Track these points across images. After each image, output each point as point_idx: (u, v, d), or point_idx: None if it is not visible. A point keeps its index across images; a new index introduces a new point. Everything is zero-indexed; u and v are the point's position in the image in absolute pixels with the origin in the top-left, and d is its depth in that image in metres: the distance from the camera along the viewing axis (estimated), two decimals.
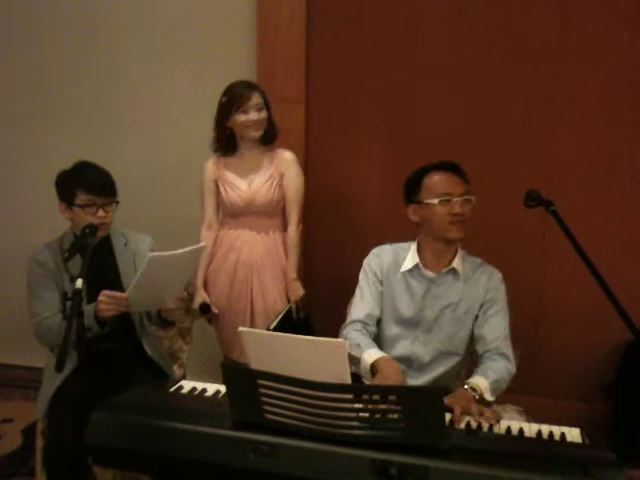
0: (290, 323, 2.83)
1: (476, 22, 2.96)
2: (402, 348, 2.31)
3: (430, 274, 2.29)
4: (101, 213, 2.36)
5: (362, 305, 2.35)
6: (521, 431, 1.80)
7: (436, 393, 1.58)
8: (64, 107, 3.51)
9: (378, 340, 2.36)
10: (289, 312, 2.77)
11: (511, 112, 3.00)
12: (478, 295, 2.27)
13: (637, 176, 2.94)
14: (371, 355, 2.18)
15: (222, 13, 3.22)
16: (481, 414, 1.88)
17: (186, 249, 2.18)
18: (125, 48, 3.37)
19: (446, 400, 1.91)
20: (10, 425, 3.01)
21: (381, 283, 2.35)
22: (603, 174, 2.96)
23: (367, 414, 1.61)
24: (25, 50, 3.52)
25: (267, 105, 2.75)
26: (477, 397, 2.01)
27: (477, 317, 2.27)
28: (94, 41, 3.40)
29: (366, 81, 3.12)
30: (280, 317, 2.73)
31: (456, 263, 2.28)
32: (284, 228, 2.85)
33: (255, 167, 2.80)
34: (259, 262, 2.78)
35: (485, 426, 1.82)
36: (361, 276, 2.39)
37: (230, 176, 2.79)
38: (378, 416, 1.60)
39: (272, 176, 2.77)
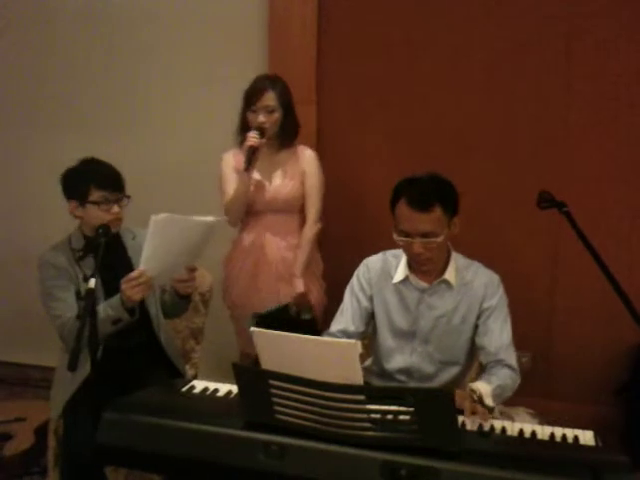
0: (292, 323, 2.82)
1: (487, 26, 2.95)
2: (401, 360, 2.26)
3: (422, 284, 2.21)
4: (116, 209, 2.34)
5: (339, 319, 2.31)
6: (534, 433, 1.78)
7: (448, 394, 1.57)
8: (78, 107, 3.53)
9: (376, 352, 2.33)
10: (285, 308, 2.69)
11: (522, 114, 2.99)
12: (474, 302, 2.18)
13: None
14: None
15: (234, 15, 3.23)
16: (474, 412, 1.85)
17: (197, 218, 2.14)
18: (138, 49, 3.39)
19: None
20: (22, 424, 3.01)
21: (370, 298, 2.28)
22: (616, 175, 2.94)
23: (378, 415, 1.60)
24: (37, 50, 3.55)
25: (285, 104, 2.68)
26: (476, 398, 1.95)
27: (477, 325, 2.19)
28: (107, 41, 3.42)
29: (377, 82, 3.12)
30: (272, 310, 2.65)
31: (448, 274, 2.18)
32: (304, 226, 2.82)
33: (276, 164, 2.75)
34: (281, 259, 2.76)
35: (498, 428, 1.81)
36: (347, 289, 2.32)
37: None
38: (390, 417, 1.59)
39: (293, 174, 2.74)
